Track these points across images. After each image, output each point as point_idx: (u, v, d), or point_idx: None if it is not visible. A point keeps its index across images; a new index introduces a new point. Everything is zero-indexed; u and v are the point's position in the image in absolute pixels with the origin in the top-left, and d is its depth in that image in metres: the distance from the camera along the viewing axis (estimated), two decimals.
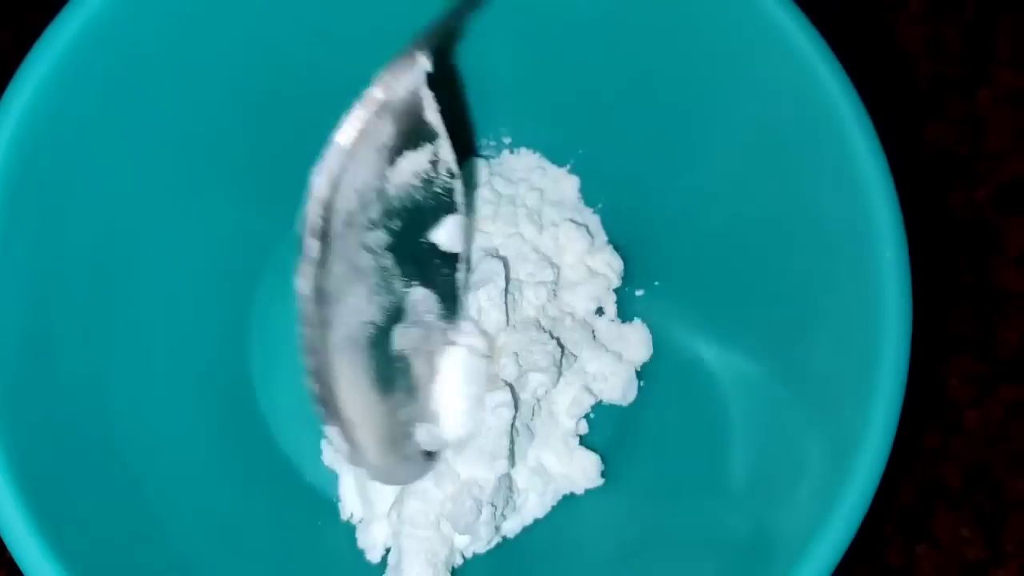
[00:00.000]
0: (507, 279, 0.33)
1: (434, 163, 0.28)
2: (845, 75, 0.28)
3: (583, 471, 0.34)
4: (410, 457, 0.30)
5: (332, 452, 0.34)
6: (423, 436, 0.30)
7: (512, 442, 0.32)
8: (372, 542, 0.33)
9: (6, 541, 0.25)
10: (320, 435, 0.35)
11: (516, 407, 0.31)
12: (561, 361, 0.33)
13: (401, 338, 0.29)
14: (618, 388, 0.35)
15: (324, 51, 0.33)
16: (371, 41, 0.33)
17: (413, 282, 0.29)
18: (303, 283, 0.25)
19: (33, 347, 0.27)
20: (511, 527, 0.34)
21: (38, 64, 0.27)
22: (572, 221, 0.36)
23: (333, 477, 0.35)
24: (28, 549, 0.24)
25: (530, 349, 0.32)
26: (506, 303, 0.32)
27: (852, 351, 0.27)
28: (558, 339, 0.33)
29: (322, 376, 0.25)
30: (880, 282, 0.27)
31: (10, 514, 0.25)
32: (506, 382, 0.31)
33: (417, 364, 0.30)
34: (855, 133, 0.27)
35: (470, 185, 0.36)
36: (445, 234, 0.30)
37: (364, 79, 0.34)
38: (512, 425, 0.32)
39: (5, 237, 0.26)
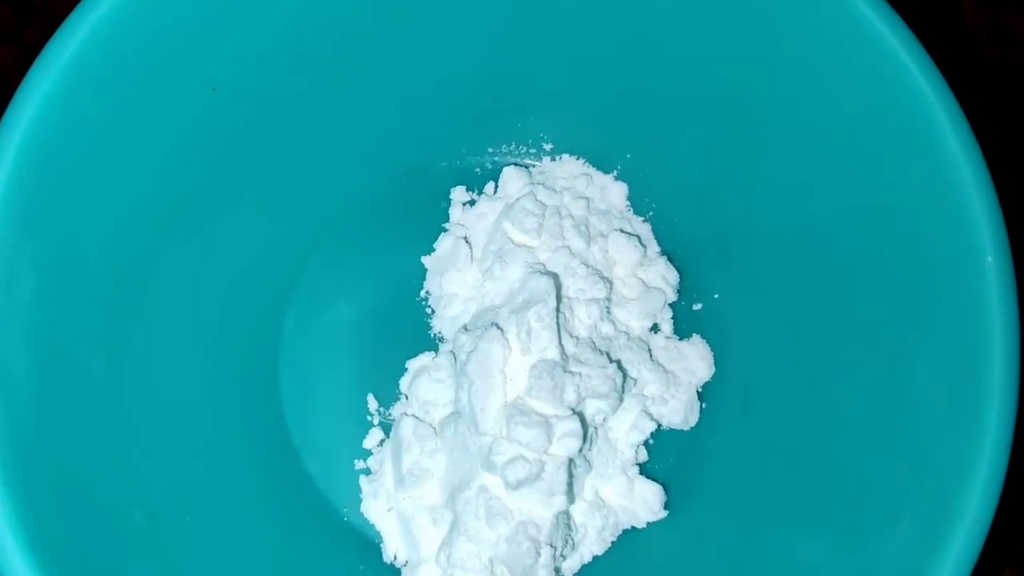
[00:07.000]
0: (558, 297, 0.32)
1: None
2: (933, 65, 0.26)
3: (644, 503, 0.34)
4: None
5: (372, 502, 0.33)
6: None
7: (571, 476, 0.30)
8: None
9: None
10: (357, 477, 0.34)
11: (585, 438, 0.30)
12: (623, 386, 0.32)
13: None
14: (679, 411, 0.34)
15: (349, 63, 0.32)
16: (398, 55, 0.33)
17: None
18: None
19: (47, 387, 0.26)
20: (570, 566, 0.33)
21: (43, 74, 0.26)
22: (622, 231, 0.35)
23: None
24: None
25: (589, 374, 0.31)
26: (557, 323, 0.31)
27: (951, 367, 0.26)
28: (618, 361, 0.32)
29: None
30: (982, 289, 0.26)
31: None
32: (573, 410, 0.30)
33: None
34: (946, 127, 0.26)
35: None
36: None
37: (388, 93, 0.33)
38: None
39: (10, 263, 0.25)
